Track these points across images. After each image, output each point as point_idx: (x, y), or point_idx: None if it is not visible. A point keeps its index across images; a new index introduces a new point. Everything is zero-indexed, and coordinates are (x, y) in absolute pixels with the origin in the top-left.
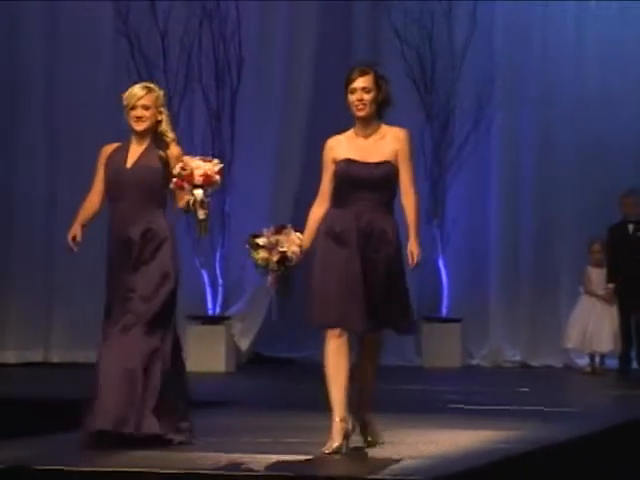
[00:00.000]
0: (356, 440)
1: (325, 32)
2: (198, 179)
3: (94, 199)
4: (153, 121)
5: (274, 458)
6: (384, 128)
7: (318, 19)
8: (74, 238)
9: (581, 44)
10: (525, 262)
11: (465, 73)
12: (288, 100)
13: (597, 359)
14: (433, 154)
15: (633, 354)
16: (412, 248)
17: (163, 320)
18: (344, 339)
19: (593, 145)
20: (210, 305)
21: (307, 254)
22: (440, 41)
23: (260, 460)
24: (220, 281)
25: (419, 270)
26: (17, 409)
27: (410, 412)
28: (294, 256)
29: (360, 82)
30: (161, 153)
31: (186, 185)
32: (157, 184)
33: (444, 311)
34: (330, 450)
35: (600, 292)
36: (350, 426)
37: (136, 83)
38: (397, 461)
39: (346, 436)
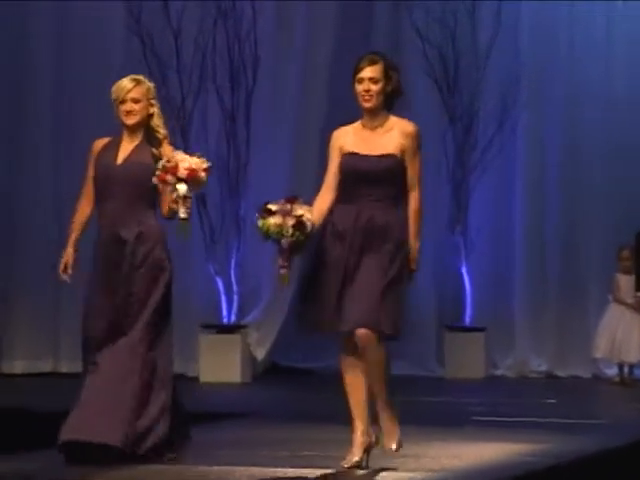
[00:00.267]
0: (377, 454)
1: (343, 32)
2: (182, 172)
3: (85, 205)
4: (144, 115)
5: (292, 472)
6: (392, 120)
7: (336, 19)
8: (65, 268)
9: (609, 44)
10: (552, 269)
11: (489, 73)
12: (305, 101)
13: (626, 369)
14: (456, 157)
15: None
16: (411, 258)
17: (159, 327)
18: (357, 349)
19: (621, 147)
20: (225, 313)
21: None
22: (463, 41)
23: (278, 474)
24: (235, 288)
25: (441, 277)
26: (26, 420)
27: (432, 424)
28: (309, 223)
29: (368, 72)
30: (154, 150)
31: (169, 178)
32: (148, 182)
33: (467, 320)
34: (350, 464)
35: (629, 300)
36: (372, 439)
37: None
38: (420, 475)
39: (367, 450)
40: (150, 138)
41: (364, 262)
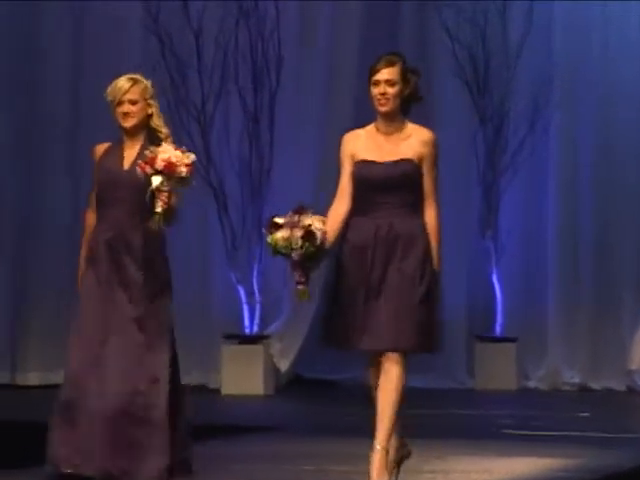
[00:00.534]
0: (403, 469)
1: (368, 32)
2: (159, 164)
3: (94, 219)
4: (143, 116)
5: None
6: (409, 127)
7: (361, 18)
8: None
9: None
10: (585, 276)
11: (520, 73)
12: (329, 102)
13: None
14: (486, 159)
15: None
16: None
17: (167, 340)
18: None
19: None
20: (247, 323)
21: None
22: (494, 40)
23: None
24: (258, 297)
25: (471, 284)
26: (40, 433)
27: (462, 438)
28: (319, 233)
29: (384, 74)
30: None
31: (148, 169)
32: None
33: (498, 329)
34: None
35: None
36: (399, 455)
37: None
38: None
39: (392, 467)
40: (153, 139)
41: (390, 276)
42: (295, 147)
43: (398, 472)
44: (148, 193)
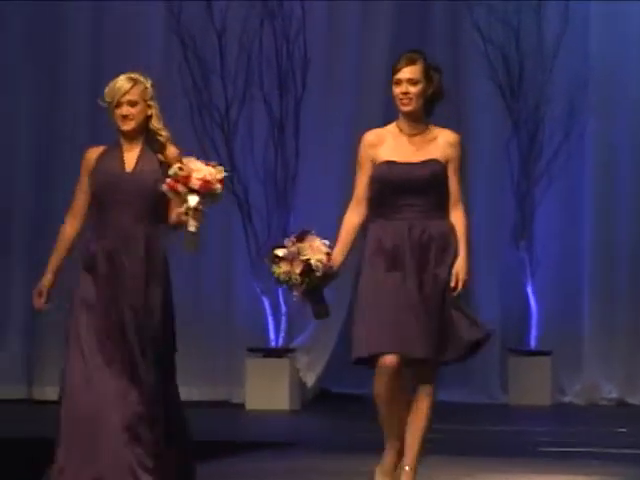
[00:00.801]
0: None
1: (398, 32)
2: (195, 183)
3: (72, 224)
4: (142, 118)
5: None
6: (434, 129)
7: (391, 18)
8: (40, 296)
9: None
10: (623, 287)
11: (556, 76)
12: (358, 107)
13: None
14: (520, 166)
15: None
16: (459, 268)
17: (170, 358)
18: (398, 375)
19: None
20: (272, 336)
21: (338, 268)
22: (528, 41)
23: None
24: (283, 309)
25: (505, 296)
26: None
27: (494, 455)
28: (320, 265)
29: (406, 72)
30: (160, 156)
31: (180, 188)
32: (161, 192)
33: (533, 343)
34: None
35: None
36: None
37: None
38: None
39: None
40: (151, 142)
41: (427, 282)
42: (322, 153)
43: None
44: (183, 210)
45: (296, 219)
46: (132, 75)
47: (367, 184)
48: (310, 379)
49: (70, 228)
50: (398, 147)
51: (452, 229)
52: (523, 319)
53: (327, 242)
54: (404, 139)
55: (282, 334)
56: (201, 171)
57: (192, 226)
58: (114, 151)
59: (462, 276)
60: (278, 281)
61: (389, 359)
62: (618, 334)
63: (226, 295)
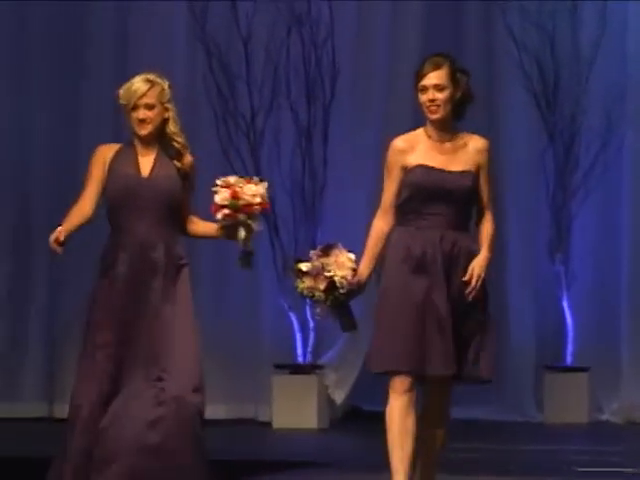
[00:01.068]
0: None
1: (429, 36)
2: (256, 209)
3: (85, 206)
4: (159, 121)
5: None
6: (463, 135)
7: (422, 22)
8: (57, 240)
9: None
10: None
11: (593, 85)
12: (388, 115)
13: None
14: (556, 178)
15: None
16: (476, 263)
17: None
18: (412, 395)
19: None
20: (300, 352)
21: (365, 281)
22: (563, 46)
23: None
24: (311, 325)
25: (540, 311)
26: None
27: (531, 475)
28: (344, 282)
29: (432, 78)
30: (176, 163)
31: (241, 217)
32: (178, 198)
33: (569, 359)
34: None
35: None
36: None
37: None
38: None
39: None
40: (166, 148)
41: (452, 294)
42: (350, 162)
43: None
44: (243, 235)
45: (324, 231)
46: (149, 76)
47: (396, 192)
48: (339, 396)
49: (81, 208)
50: (430, 153)
51: (477, 244)
52: (559, 334)
53: (353, 256)
54: (435, 145)
55: (310, 350)
56: (256, 195)
57: (249, 246)
58: (129, 154)
59: (477, 271)
60: (302, 296)
61: (399, 382)
62: None
63: (252, 310)
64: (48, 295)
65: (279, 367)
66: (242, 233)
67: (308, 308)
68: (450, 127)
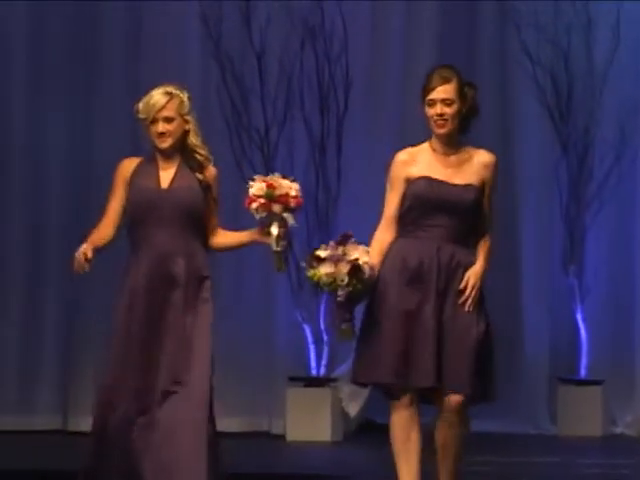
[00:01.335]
0: None
1: (444, 50)
2: (292, 201)
3: (108, 228)
4: (179, 134)
5: None
6: (469, 148)
7: (436, 36)
8: (85, 255)
9: None
10: None
11: (606, 98)
12: (402, 129)
13: None
14: (569, 190)
15: None
16: (472, 272)
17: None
18: (414, 409)
19: None
20: (313, 365)
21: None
22: (577, 62)
23: None
24: (325, 337)
25: (553, 323)
26: None
27: None
28: (367, 267)
29: (440, 92)
30: (198, 175)
31: (276, 207)
32: (199, 210)
33: (583, 372)
34: None
35: None
36: None
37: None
38: None
39: None
40: (188, 160)
41: (447, 311)
42: (364, 175)
43: None
44: (276, 231)
45: None
46: (168, 88)
47: (398, 204)
48: (353, 409)
49: (105, 231)
50: (434, 165)
51: (476, 258)
52: (573, 347)
53: (368, 249)
54: (439, 158)
55: (324, 363)
56: (292, 188)
57: (281, 246)
58: (150, 167)
59: (472, 280)
60: (318, 284)
61: (399, 397)
62: None
63: (266, 323)
64: (61, 310)
65: (293, 380)
66: (275, 229)
67: (322, 321)
68: (455, 141)
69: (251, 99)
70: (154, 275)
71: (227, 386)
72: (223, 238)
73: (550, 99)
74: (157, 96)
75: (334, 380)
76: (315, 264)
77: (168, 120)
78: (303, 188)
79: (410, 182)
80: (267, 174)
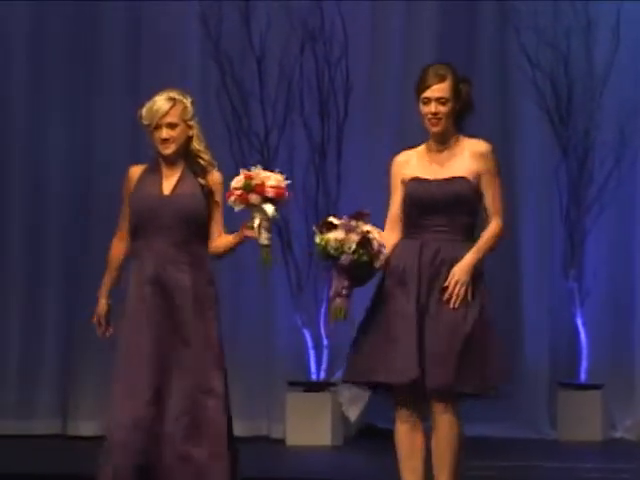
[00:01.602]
0: None
1: (443, 55)
2: (269, 191)
3: (121, 245)
4: (183, 140)
5: None
6: (463, 141)
7: (436, 40)
8: (100, 323)
9: None
10: None
11: (606, 101)
12: (402, 132)
13: None
14: (569, 194)
15: None
16: (457, 268)
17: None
18: (415, 415)
19: None
20: (313, 369)
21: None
22: (577, 65)
23: None
24: (325, 342)
25: (554, 327)
26: None
27: None
28: (376, 243)
29: (435, 91)
30: (201, 180)
31: (253, 198)
32: (202, 216)
33: (583, 376)
34: None
35: None
36: None
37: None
38: None
39: None
40: (192, 165)
41: (431, 309)
42: (364, 180)
43: None
44: (256, 223)
45: None
46: (171, 94)
47: (400, 205)
48: (353, 414)
49: (116, 250)
50: (426, 164)
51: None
52: (572, 351)
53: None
54: (432, 156)
55: (324, 367)
56: (271, 178)
57: (265, 239)
58: (154, 174)
59: (456, 277)
60: (324, 249)
61: (400, 404)
62: None
63: (265, 327)
64: (61, 311)
65: (293, 384)
66: (256, 220)
67: (322, 325)
68: (451, 137)
69: (251, 103)
70: (155, 281)
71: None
72: (217, 242)
73: (550, 102)
74: (160, 102)
75: (334, 384)
76: (325, 230)
77: (171, 126)
78: (303, 192)
79: (405, 184)
80: None
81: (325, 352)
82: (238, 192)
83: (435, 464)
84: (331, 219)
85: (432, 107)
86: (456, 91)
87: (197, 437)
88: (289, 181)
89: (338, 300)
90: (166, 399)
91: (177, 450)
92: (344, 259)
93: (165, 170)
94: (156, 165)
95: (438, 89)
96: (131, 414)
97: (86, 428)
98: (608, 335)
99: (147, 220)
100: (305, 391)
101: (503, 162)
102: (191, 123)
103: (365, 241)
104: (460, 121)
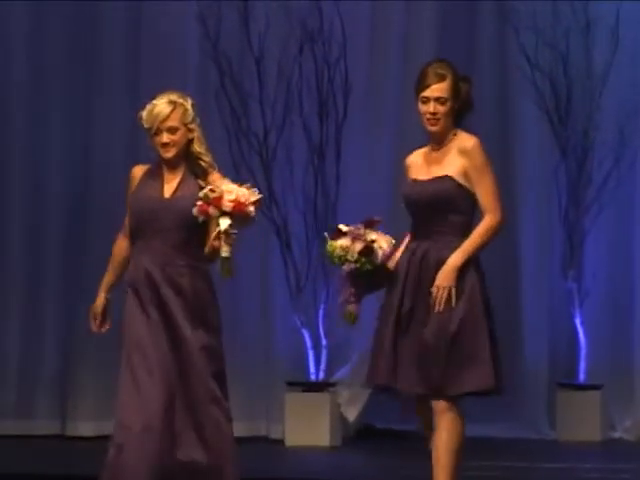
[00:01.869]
0: None
1: (443, 54)
2: (227, 205)
3: (127, 239)
4: (183, 143)
5: None
6: (456, 138)
7: (436, 41)
8: (95, 317)
9: None
10: None
11: (605, 101)
12: (402, 133)
13: None
14: (569, 194)
15: None
16: (440, 272)
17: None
18: (427, 415)
19: None
20: (312, 370)
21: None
22: (576, 65)
23: None
24: (324, 342)
25: (553, 328)
26: None
27: None
28: (381, 252)
29: (434, 91)
30: (201, 182)
31: (211, 210)
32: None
33: (582, 376)
34: None
35: None
36: None
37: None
38: None
39: None
40: (193, 167)
41: (419, 308)
42: (363, 180)
43: None
44: (214, 235)
45: None
46: (171, 97)
47: None
48: (351, 414)
49: (120, 247)
50: (421, 165)
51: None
52: (572, 352)
53: (392, 240)
54: (429, 155)
55: (322, 368)
56: (232, 192)
57: (225, 251)
58: (155, 176)
59: (438, 282)
60: (332, 256)
61: (417, 405)
62: None
63: (264, 327)
64: (60, 311)
65: (291, 385)
66: (215, 233)
67: (321, 325)
68: (448, 135)
69: (250, 103)
70: (157, 286)
71: None
72: (205, 247)
73: (549, 102)
74: (161, 106)
75: (333, 385)
76: (335, 237)
77: (172, 130)
78: (302, 193)
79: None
80: (266, 179)
81: (324, 352)
82: (199, 203)
83: (435, 463)
84: (341, 226)
85: (430, 107)
86: (455, 90)
87: (202, 441)
88: (259, 196)
89: (348, 306)
90: (172, 403)
91: (182, 454)
92: (346, 267)
93: (166, 173)
94: (158, 167)
95: (437, 89)
96: (142, 419)
97: (85, 428)
98: (607, 335)
99: (147, 222)
100: (304, 391)
101: (502, 162)
102: (192, 126)
103: (368, 251)
104: (460, 120)
